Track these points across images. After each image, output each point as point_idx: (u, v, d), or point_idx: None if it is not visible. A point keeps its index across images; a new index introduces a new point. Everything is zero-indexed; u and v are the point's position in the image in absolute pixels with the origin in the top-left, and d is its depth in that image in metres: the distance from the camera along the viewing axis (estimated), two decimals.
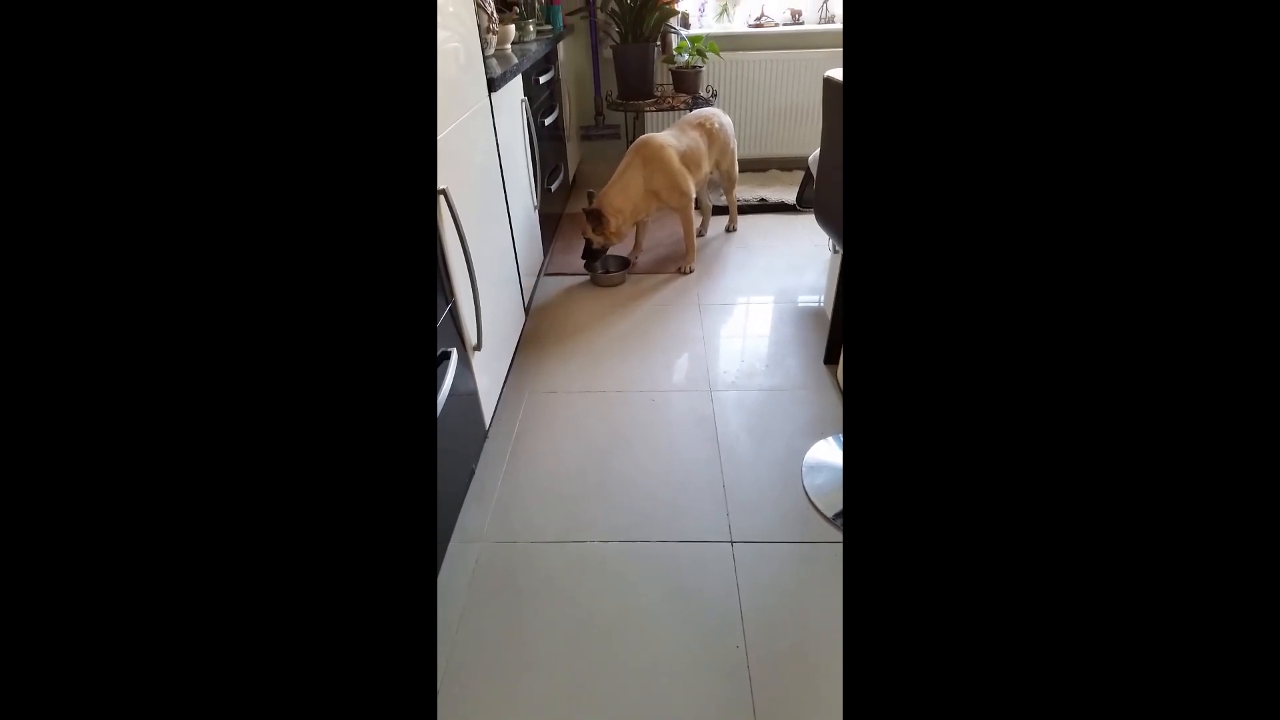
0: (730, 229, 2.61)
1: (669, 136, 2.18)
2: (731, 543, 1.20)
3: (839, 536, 1.21)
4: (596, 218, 2.08)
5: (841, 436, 1.46)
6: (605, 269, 2.22)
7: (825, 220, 1.20)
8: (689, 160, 2.17)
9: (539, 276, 2.18)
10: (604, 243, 2.16)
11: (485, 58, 1.51)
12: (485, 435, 1.44)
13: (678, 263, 2.32)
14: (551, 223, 2.39)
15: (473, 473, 1.37)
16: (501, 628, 1.06)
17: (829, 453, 1.42)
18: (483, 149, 1.42)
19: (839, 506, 1.27)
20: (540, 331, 1.95)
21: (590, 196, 2.14)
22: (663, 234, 2.56)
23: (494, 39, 1.82)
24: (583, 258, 2.21)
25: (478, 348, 1.26)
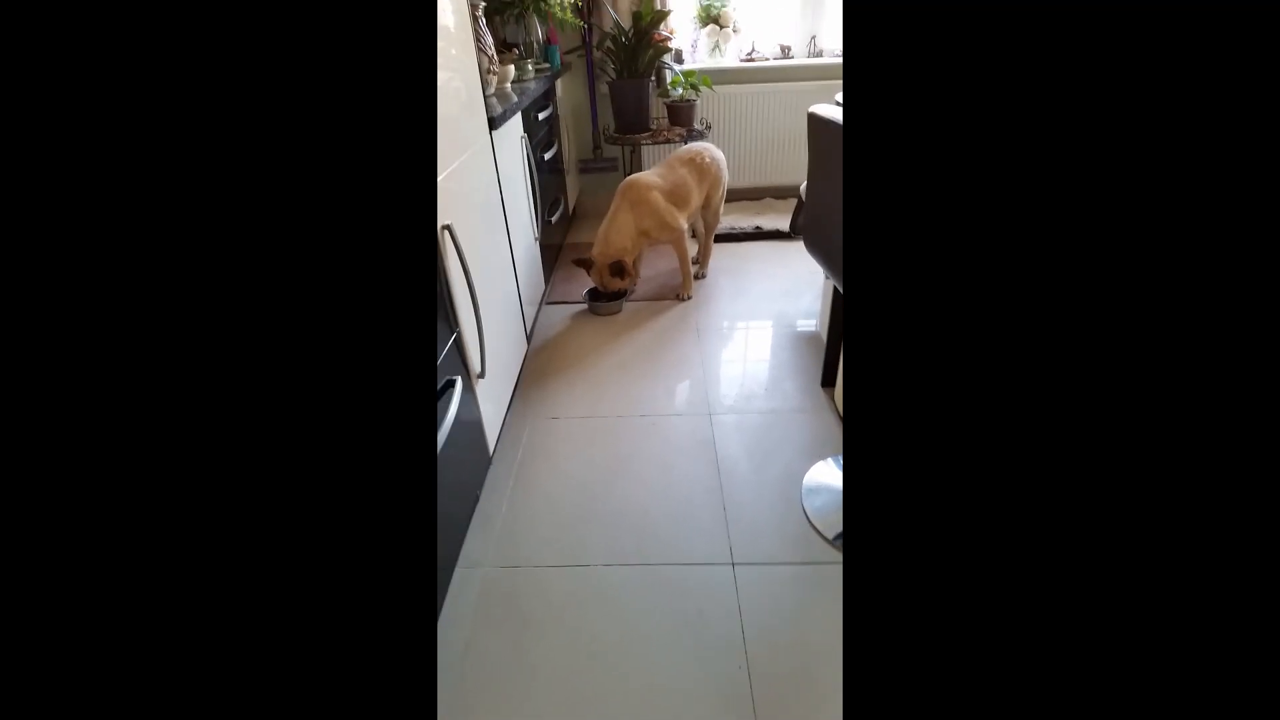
0: (699, 275, 2.48)
1: (654, 177, 2.24)
2: (733, 565, 1.22)
3: (839, 558, 1.23)
4: (621, 269, 2.17)
5: (840, 458, 1.49)
6: (604, 298, 2.27)
7: (814, 247, 1.24)
8: (676, 197, 2.23)
9: (540, 305, 2.23)
10: (630, 285, 2.27)
11: (486, 97, 1.57)
12: (489, 462, 1.47)
13: (675, 290, 2.36)
14: (552, 253, 2.44)
15: (477, 499, 1.39)
16: (506, 653, 1.07)
17: (828, 474, 1.44)
18: (485, 184, 1.47)
19: (839, 528, 1.29)
20: (543, 359, 1.99)
21: (586, 263, 2.22)
22: (661, 264, 2.61)
23: (494, 79, 1.89)
24: (592, 299, 2.29)
25: (481, 375, 1.30)
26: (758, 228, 2.86)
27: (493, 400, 1.45)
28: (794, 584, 1.17)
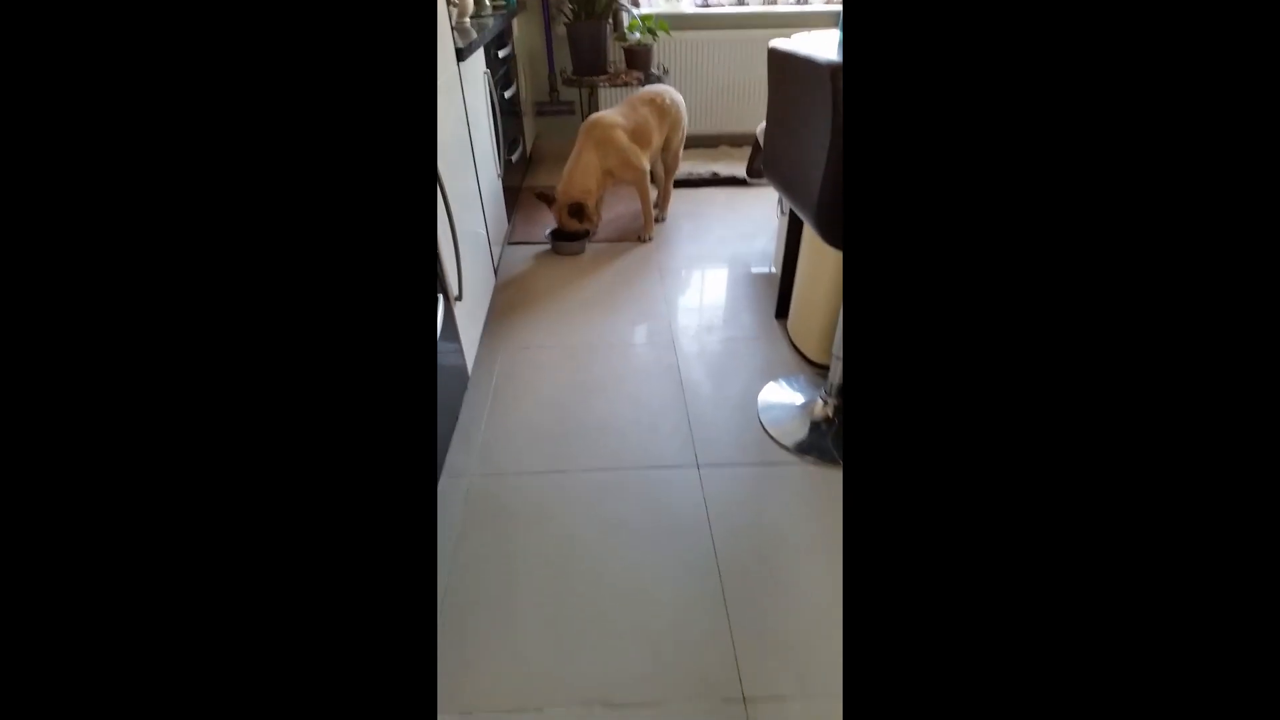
0: (659, 218, 2.54)
1: (617, 116, 2.28)
2: (698, 466, 1.34)
3: (792, 459, 1.37)
4: (579, 210, 2.22)
5: (791, 380, 1.62)
6: (567, 238, 2.32)
7: (774, 174, 1.34)
8: (638, 137, 2.28)
9: (504, 244, 2.26)
10: (591, 226, 2.31)
11: (451, 28, 1.58)
12: (466, 385, 1.54)
13: (636, 233, 2.43)
14: (513, 194, 2.47)
15: (456, 418, 1.46)
16: (494, 548, 1.18)
17: (779, 393, 1.58)
18: (454, 116, 1.49)
19: (794, 437, 1.43)
20: (509, 295, 2.04)
21: (548, 198, 2.26)
22: (621, 207, 2.67)
23: (454, 10, 1.88)
24: (555, 239, 2.33)
25: (459, 298, 1.35)
26: (714, 174, 2.94)
27: (467, 325, 1.51)
28: (752, 480, 1.31)
